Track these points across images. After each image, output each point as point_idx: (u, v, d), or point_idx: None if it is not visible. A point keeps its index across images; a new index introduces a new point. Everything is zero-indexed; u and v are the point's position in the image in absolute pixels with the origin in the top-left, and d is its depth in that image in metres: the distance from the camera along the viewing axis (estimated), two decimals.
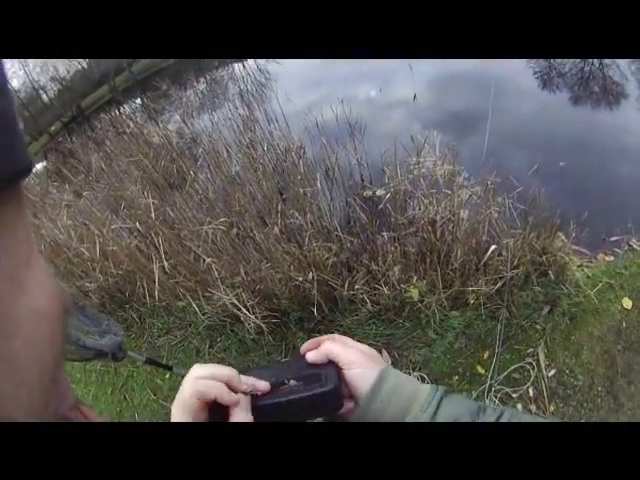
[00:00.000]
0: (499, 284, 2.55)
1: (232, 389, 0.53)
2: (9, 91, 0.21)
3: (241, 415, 0.52)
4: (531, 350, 2.49)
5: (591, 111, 5.84)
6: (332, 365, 0.59)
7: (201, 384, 0.52)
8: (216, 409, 0.53)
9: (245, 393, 0.54)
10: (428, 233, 2.66)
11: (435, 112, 6.15)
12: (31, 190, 6.28)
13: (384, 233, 2.98)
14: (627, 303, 2.57)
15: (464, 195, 2.93)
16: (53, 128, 19.92)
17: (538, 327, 2.54)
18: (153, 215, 2.71)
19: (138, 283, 2.99)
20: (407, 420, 0.53)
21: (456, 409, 0.53)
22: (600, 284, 2.66)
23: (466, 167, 3.57)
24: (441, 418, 0.52)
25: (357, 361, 0.58)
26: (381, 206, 3.13)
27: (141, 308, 3.30)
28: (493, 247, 2.58)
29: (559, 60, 7.77)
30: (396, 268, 2.74)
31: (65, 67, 24.20)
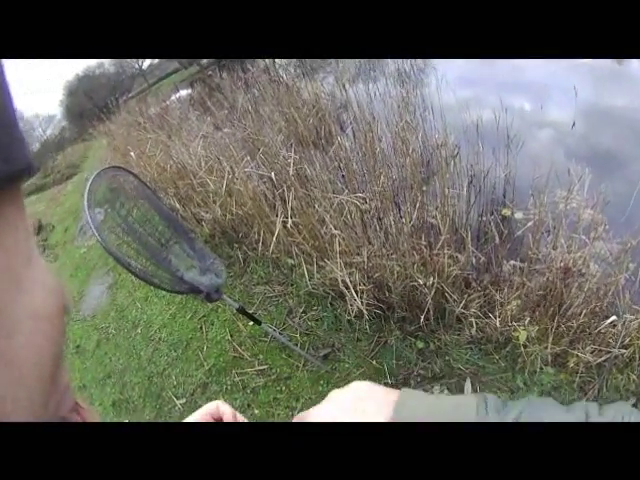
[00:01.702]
0: (603, 358, 2.31)
1: None
2: (9, 90, 0.21)
3: None
4: None
5: None
6: None
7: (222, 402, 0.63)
8: None
9: None
10: (558, 279, 2.42)
11: (584, 144, 5.72)
12: (171, 113, 6.66)
13: (513, 261, 2.77)
14: None
15: (601, 250, 2.67)
16: (204, 61, 21.11)
17: None
18: (291, 170, 2.66)
19: (255, 229, 3.01)
20: None
21: None
22: None
23: (606, 214, 3.25)
24: None
25: None
26: (519, 232, 2.88)
27: (249, 252, 3.35)
28: (613, 318, 2.32)
29: None
30: (515, 303, 2.56)
31: None
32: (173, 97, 9.85)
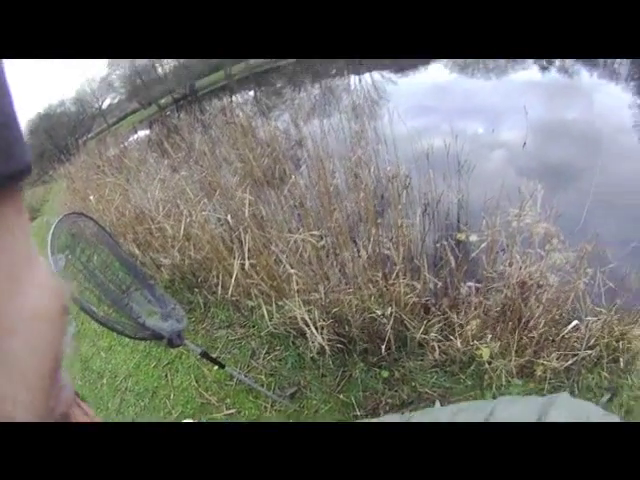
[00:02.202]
0: (570, 362, 2.38)
1: None
2: (9, 90, 0.21)
3: None
4: None
5: None
6: None
7: None
8: None
9: None
10: (515, 293, 2.51)
11: (536, 160, 5.90)
12: (129, 155, 6.65)
13: (470, 283, 2.83)
14: None
15: (558, 260, 2.75)
16: (163, 101, 21.29)
17: None
18: (247, 211, 2.70)
19: (213, 272, 3.01)
20: None
21: None
22: None
23: (562, 226, 3.37)
24: None
25: None
26: (474, 255, 2.94)
27: (209, 296, 3.33)
28: (575, 322, 2.41)
29: None
30: (474, 322, 2.61)
31: None
32: (131, 138, 9.85)
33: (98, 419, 0.36)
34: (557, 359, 2.37)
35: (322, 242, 2.59)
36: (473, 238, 3.33)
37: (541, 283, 2.57)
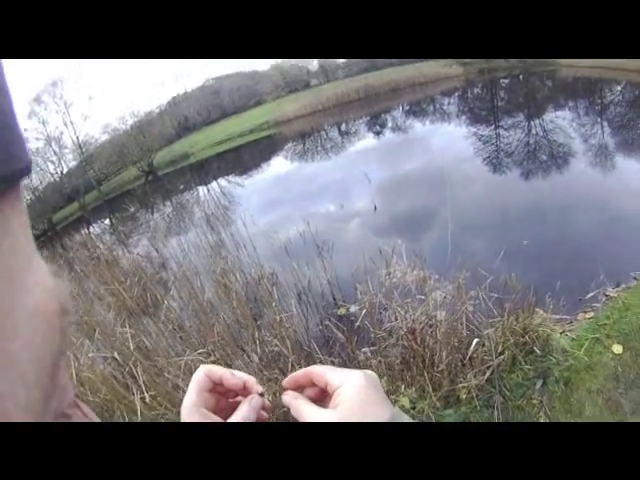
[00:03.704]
0: (487, 374, 2.59)
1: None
2: (8, 90, 0.21)
3: (245, 408, 0.49)
4: None
5: (543, 180, 6.26)
6: None
7: (209, 365, 0.53)
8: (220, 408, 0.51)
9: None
10: (409, 341, 2.71)
11: (393, 217, 6.36)
12: None
13: (364, 348, 3.00)
14: (617, 349, 2.62)
15: (438, 297, 3.02)
16: None
17: (535, 402, 2.54)
18: (131, 345, 2.69)
19: (117, 413, 2.88)
20: None
21: None
22: (586, 342, 2.72)
23: (434, 265, 3.66)
24: None
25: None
26: (358, 323, 3.13)
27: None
28: (475, 341, 2.64)
29: (505, 141, 8.62)
30: (382, 381, 2.76)
31: (39, 177, 24.53)
32: None
33: (97, 420, 0.36)
34: (475, 377, 2.57)
35: (211, 357, 2.65)
36: (353, 309, 3.56)
37: (430, 323, 2.81)
